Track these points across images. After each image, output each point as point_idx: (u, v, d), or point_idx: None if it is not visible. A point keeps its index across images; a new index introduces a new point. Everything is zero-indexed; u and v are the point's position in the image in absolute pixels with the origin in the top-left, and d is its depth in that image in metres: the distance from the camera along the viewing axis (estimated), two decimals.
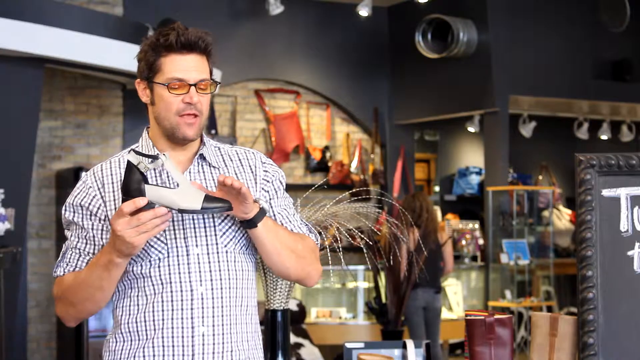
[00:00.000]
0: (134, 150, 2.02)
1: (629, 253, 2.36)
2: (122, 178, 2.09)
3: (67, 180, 7.53)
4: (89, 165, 7.82)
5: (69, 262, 2.13)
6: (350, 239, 3.12)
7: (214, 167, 2.19)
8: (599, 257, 2.34)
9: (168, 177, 2.14)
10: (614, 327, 2.32)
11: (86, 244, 2.13)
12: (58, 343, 7.87)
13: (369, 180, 9.32)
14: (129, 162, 1.96)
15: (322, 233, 2.95)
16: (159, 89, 2.13)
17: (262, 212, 2.08)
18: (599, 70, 9.07)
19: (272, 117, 9.01)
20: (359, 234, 3.02)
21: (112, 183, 2.15)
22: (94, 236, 2.12)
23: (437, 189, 10.37)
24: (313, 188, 3.26)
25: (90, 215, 2.13)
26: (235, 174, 2.20)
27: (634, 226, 2.36)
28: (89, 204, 2.13)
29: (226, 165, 2.21)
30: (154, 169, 2.09)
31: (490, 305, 7.95)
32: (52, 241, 7.91)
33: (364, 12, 8.61)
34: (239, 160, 2.24)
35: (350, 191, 3.37)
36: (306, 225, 2.27)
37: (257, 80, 9.01)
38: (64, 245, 2.18)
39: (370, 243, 3.31)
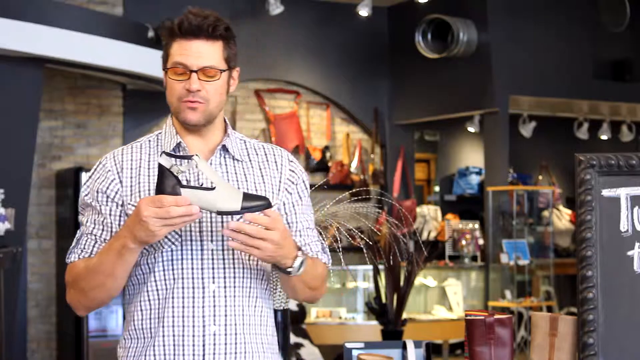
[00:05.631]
0: (165, 152, 1.94)
1: (629, 253, 2.36)
2: (142, 164, 2.07)
3: (67, 180, 7.54)
4: (89, 165, 7.82)
5: (84, 248, 2.07)
6: (350, 239, 3.11)
7: (237, 159, 2.12)
8: (599, 257, 2.34)
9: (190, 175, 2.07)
10: (614, 327, 2.32)
11: (102, 230, 2.06)
12: (58, 343, 7.87)
13: (369, 180, 9.32)
14: (160, 166, 1.90)
15: (322, 233, 2.95)
16: (167, 75, 2.08)
17: (302, 265, 1.99)
18: (599, 70, 9.07)
19: (272, 117, 9.01)
20: (359, 234, 3.02)
21: (131, 169, 2.08)
22: (111, 223, 2.06)
23: (437, 189, 10.37)
24: (313, 188, 3.26)
25: (108, 199, 2.07)
26: (260, 169, 2.13)
27: (634, 226, 2.36)
28: (107, 188, 2.07)
29: (250, 160, 2.14)
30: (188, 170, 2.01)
31: (490, 305, 7.95)
32: (52, 241, 7.91)
33: (364, 12, 8.62)
34: (265, 155, 2.16)
35: (350, 191, 3.37)
36: (321, 242, 2.20)
37: (257, 80, 9.01)
38: (78, 232, 2.11)
39: (370, 243, 3.31)
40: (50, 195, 7.93)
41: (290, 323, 3.04)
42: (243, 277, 2.07)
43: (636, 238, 2.36)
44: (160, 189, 1.89)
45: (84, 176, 7.28)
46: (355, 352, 2.77)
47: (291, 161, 2.19)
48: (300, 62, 9.15)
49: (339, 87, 9.32)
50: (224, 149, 2.12)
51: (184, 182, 2.00)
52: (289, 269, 1.98)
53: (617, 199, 2.37)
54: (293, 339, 6.50)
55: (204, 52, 2.05)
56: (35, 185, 7.75)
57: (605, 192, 2.38)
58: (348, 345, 2.79)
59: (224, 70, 2.09)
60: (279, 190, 2.14)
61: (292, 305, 6.82)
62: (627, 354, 2.32)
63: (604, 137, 10.39)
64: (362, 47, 9.40)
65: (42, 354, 7.89)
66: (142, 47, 7.07)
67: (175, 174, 1.90)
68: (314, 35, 9.16)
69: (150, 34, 7.28)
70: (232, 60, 2.12)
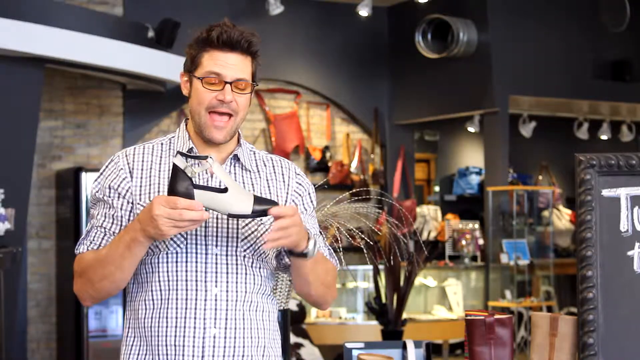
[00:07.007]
0: (179, 152, 1.97)
1: (629, 253, 2.36)
2: (153, 166, 2.10)
3: (67, 180, 7.53)
4: (89, 165, 7.82)
5: (93, 240, 2.11)
6: (350, 239, 3.12)
7: (247, 169, 2.17)
8: (599, 257, 2.34)
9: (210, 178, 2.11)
10: (614, 327, 2.32)
11: (112, 223, 2.11)
12: (58, 343, 7.87)
13: (369, 180, 9.31)
14: (175, 166, 1.92)
15: (322, 233, 2.95)
16: (196, 83, 2.11)
17: (315, 246, 2.06)
18: (599, 70, 9.07)
19: (272, 117, 9.01)
20: (359, 234, 3.02)
21: (142, 169, 2.13)
22: (121, 217, 2.10)
23: (437, 189, 10.37)
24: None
25: (119, 196, 2.11)
26: (267, 180, 2.19)
27: (634, 226, 2.36)
28: (118, 185, 2.12)
29: (259, 170, 2.19)
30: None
31: (490, 305, 7.95)
32: (52, 241, 7.91)
33: (364, 12, 8.62)
34: (273, 167, 2.22)
35: (350, 191, 3.37)
36: (328, 248, 2.26)
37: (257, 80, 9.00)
38: (88, 224, 2.15)
39: (371, 243, 3.31)
40: (50, 195, 7.93)
41: (290, 323, 3.04)
42: (246, 283, 2.10)
43: (636, 238, 2.36)
44: (173, 189, 1.91)
45: (84, 176, 7.28)
46: (355, 352, 2.77)
47: (298, 174, 2.24)
48: (300, 62, 9.15)
49: (339, 87, 9.32)
50: (236, 158, 2.17)
51: (197, 183, 2.02)
52: (306, 251, 2.03)
53: (617, 199, 2.37)
54: (293, 339, 6.50)
55: (239, 65, 2.10)
56: (35, 185, 7.75)
57: (605, 192, 2.38)
58: (348, 345, 2.79)
59: (254, 84, 2.14)
60: (285, 201, 2.18)
61: (292, 305, 6.82)
62: (627, 354, 2.32)
63: (604, 137, 10.39)
64: (362, 47, 9.40)
65: (42, 354, 7.89)
66: (142, 47, 7.07)
67: (189, 174, 1.92)
68: (314, 35, 9.16)
69: (150, 34, 7.28)
70: (256, 76, 2.17)
